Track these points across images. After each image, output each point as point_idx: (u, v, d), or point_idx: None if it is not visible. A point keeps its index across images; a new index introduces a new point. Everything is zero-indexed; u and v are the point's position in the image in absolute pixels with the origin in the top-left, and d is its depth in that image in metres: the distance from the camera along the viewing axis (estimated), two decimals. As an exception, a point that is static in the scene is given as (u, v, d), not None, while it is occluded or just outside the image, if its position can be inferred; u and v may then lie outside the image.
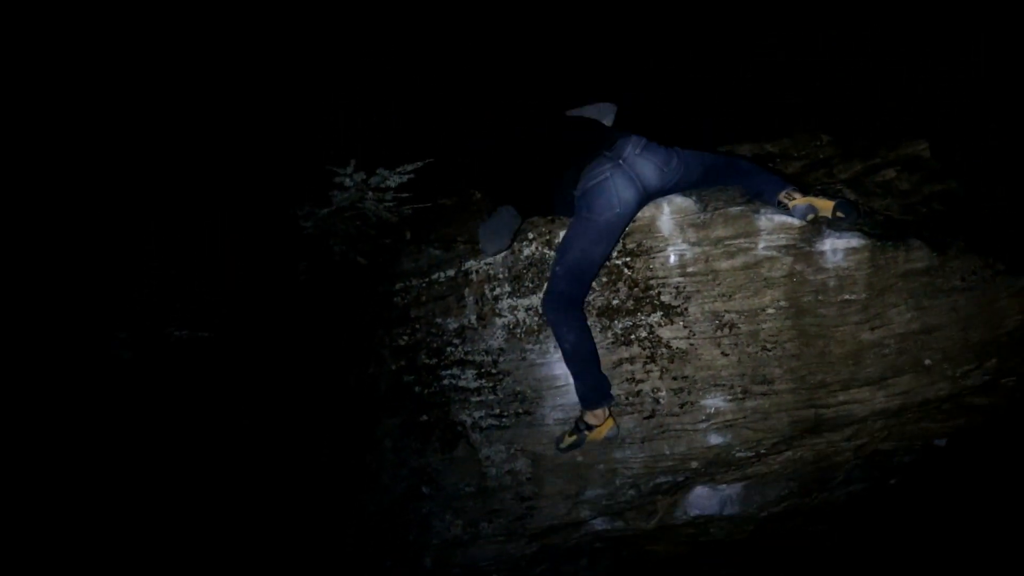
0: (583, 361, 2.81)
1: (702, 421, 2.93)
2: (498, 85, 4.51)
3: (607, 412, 2.90)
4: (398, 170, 2.93)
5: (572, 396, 2.97)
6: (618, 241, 2.89)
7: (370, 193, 2.92)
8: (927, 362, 2.87)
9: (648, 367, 2.95)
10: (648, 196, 2.82)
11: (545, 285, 2.90)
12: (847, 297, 2.83)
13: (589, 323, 2.94)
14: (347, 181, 2.89)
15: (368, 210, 2.98)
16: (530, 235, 3.06)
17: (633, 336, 2.95)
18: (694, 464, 2.99)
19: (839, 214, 2.75)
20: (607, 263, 2.95)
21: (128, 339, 2.61)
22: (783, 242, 2.85)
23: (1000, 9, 3.78)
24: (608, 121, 3.17)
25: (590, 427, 2.90)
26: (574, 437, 2.94)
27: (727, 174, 2.97)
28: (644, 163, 2.74)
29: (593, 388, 2.84)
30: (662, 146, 2.83)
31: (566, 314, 2.77)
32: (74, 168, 3.06)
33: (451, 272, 3.16)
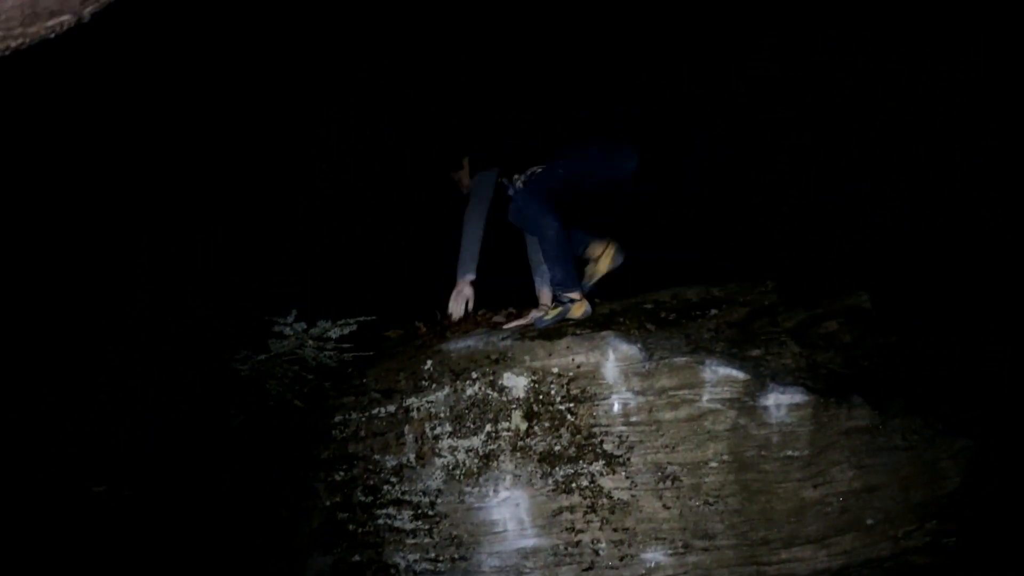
0: (564, 248, 3.15)
1: (642, 575, 2.84)
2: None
3: (582, 294, 3.21)
4: (340, 323, 2.89)
5: (510, 543, 2.88)
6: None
7: (310, 342, 2.87)
8: (869, 521, 2.84)
9: (588, 517, 2.87)
10: None
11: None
12: (790, 453, 2.82)
13: (529, 469, 2.90)
14: (287, 330, 2.85)
15: (307, 357, 2.92)
16: (473, 375, 3.00)
17: (574, 484, 2.88)
18: (633, 619, 2.88)
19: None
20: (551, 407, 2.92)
21: (43, 496, 2.44)
22: (727, 395, 2.84)
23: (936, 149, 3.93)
24: None
25: (572, 300, 3.16)
26: (559, 308, 3.17)
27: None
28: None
29: (570, 275, 3.18)
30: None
31: (548, 206, 3.13)
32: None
33: (391, 408, 3.08)
